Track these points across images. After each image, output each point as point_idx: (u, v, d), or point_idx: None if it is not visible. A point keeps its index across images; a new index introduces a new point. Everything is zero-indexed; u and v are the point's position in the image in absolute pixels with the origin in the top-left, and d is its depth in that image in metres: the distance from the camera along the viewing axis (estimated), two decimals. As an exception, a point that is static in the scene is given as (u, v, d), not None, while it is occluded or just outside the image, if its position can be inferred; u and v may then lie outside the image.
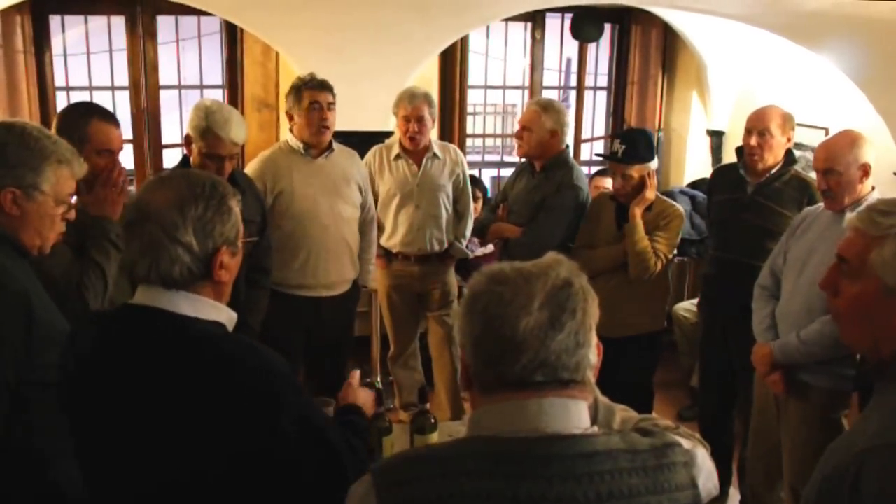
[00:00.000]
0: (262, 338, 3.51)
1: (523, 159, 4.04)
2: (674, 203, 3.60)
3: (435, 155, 4.07)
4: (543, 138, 3.78)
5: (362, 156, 4.17)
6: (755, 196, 3.40)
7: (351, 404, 1.89)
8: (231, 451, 1.41)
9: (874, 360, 1.40)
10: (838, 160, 2.82)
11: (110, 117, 2.59)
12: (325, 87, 3.56)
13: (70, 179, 2.03)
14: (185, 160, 3.23)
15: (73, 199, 2.10)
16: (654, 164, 3.51)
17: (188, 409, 1.41)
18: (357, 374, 2.01)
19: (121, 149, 2.61)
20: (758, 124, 3.37)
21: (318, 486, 1.51)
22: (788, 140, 3.40)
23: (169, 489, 1.45)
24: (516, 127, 3.93)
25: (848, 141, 2.86)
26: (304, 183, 3.58)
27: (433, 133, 4.11)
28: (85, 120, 2.49)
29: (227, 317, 1.56)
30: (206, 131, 3.04)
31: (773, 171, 3.39)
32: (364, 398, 1.94)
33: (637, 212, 3.46)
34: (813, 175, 3.17)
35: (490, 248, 4.87)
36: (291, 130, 3.65)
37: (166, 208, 1.45)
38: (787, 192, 3.34)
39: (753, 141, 3.36)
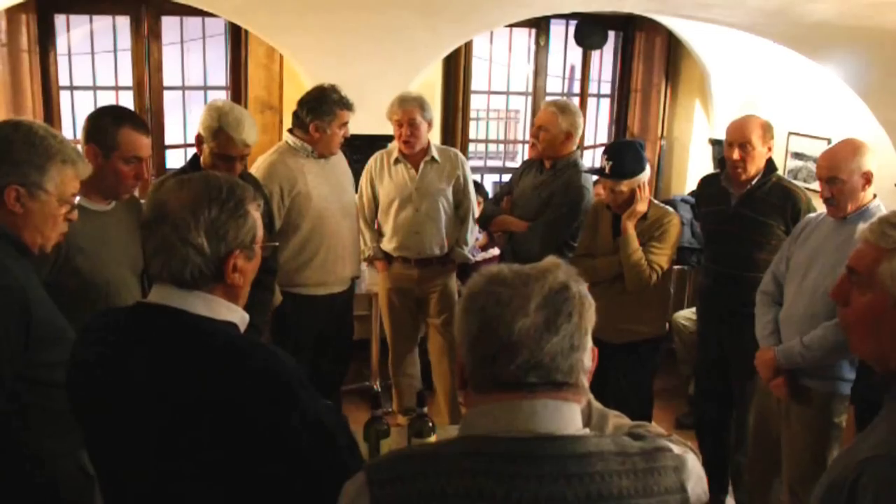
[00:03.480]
0: (278, 338, 3.55)
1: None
2: (670, 210, 3.56)
3: (433, 159, 4.09)
4: (558, 139, 3.86)
5: (366, 159, 4.22)
6: (739, 208, 3.41)
7: None
8: (240, 448, 1.41)
9: (883, 372, 1.40)
10: (841, 168, 2.83)
11: (141, 125, 2.56)
12: (353, 107, 3.64)
13: (74, 180, 2.03)
14: (195, 159, 3.22)
15: (77, 200, 2.10)
16: (644, 175, 3.45)
17: (196, 404, 1.41)
18: None
19: (149, 155, 2.59)
20: (738, 137, 3.36)
21: (323, 488, 1.51)
22: (769, 150, 3.40)
23: (179, 481, 1.46)
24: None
25: (851, 149, 2.87)
26: (316, 183, 3.64)
27: (435, 138, 4.13)
28: (115, 127, 2.47)
29: (239, 318, 1.57)
30: (218, 132, 3.04)
31: (754, 181, 3.39)
32: None
33: (629, 225, 3.42)
34: (811, 185, 3.19)
35: (492, 252, 4.87)
36: (296, 133, 3.65)
37: (180, 209, 1.47)
38: (769, 201, 3.35)
39: (736, 154, 3.35)
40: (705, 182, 3.82)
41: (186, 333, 1.47)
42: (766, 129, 3.37)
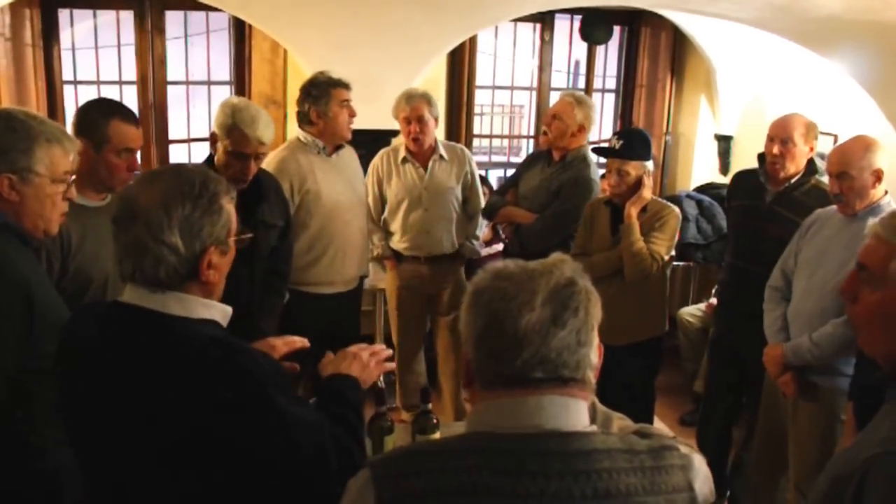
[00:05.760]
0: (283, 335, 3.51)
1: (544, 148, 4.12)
2: (668, 204, 3.57)
3: (441, 157, 4.06)
4: (570, 129, 3.87)
5: (372, 154, 4.19)
6: (773, 205, 3.34)
7: (343, 376, 1.74)
8: (211, 451, 1.40)
9: (888, 369, 1.38)
10: (852, 164, 2.80)
11: (130, 117, 2.54)
12: (349, 85, 3.60)
13: (64, 157, 2.02)
14: (209, 160, 3.15)
15: (72, 178, 2.09)
16: (650, 164, 3.49)
17: (168, 407, 1.39)
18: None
19: (140, 147, 2.58)
20: (780, 133, 3.29)
21: (300, 488, 1.49)
22: (811, 149, 3.31)
23: (153, 482, 1.45)
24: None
25: (862, 146, 2.84)
26: (326, 181, 3.61)
27: (440, 133, 4.10)
28: (105, 120, 2.45)
29: (220, 313, 1.54)
30: (232, 129, 2.98)
31: (793, 179, 3.33)
32: (359, 368, 1.77)
33: (633, 212, 3.42)
34: (823, 180, 3.16)
35: (496, 247, 4.86)
36: (304, 128, 3.62)
37: (152, 207, 1.42)
38: (806, 202, 3.26)
39: (776, 150, 3.28)
40: (740, 176, 3.73)
41: (162, 336, 1.44)
42: (810, 129, 3.30)
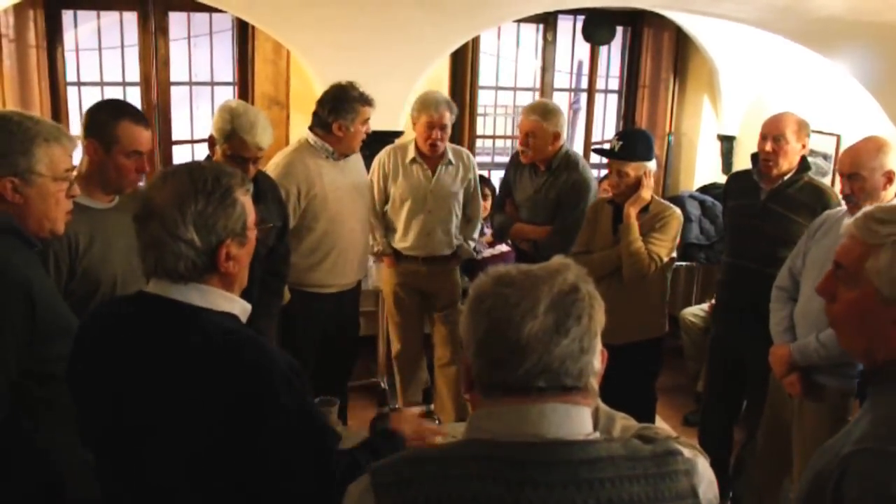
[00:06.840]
0: (285, 334, 3.54)
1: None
2: (670, 205, 3.57)
3: (450, 162, 4.08)
4: (547, 142, 3.95)
5: (373, 154, 4.19)
6: (768, 203, 3.37)
7: (393, 434, 1.81)
8: (224, 442, 1.42)
9: (868, 366, 1.41)
10: (863, 165, 2.81)
11: (140, 118, 2.53)
12: (374, 103, 3.63)
13: (64, 155, 2.03)
14: (207, 161, 3.18)
15: (74, 175, 2.10)
16: (651, 165, 3.49)
17: (186, 396, 1.43)
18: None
19: (150, 149, 2.56)
20: (773, 130, 3.33)
21: (305, 486, 1.51)
22: (803, 147, 3.35)
23: (167, 471, 1.47)
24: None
25: (874, 146, 2.84)
26: (332, 185, 3.63)
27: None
28: (114, 121, 2.44)
29: (240, 308, 1.58)
30: (231, 135, 3.00)
31: (786, 177, 3.35)
32: (412, 429, 1.87)
33: (632, 212, 3.43)
34: (825, 180, 3.16)
35: (500, 248, 4.86)
36: (316, 132, 3.63)
37: (167, 205, 1.47)
38: (800, 199, 3.31)
39: (768, 147, 3.32)
40: (736, 177, 3.78)
41: (182, 324, 1.49)
42: (802, 126, 3.34)
